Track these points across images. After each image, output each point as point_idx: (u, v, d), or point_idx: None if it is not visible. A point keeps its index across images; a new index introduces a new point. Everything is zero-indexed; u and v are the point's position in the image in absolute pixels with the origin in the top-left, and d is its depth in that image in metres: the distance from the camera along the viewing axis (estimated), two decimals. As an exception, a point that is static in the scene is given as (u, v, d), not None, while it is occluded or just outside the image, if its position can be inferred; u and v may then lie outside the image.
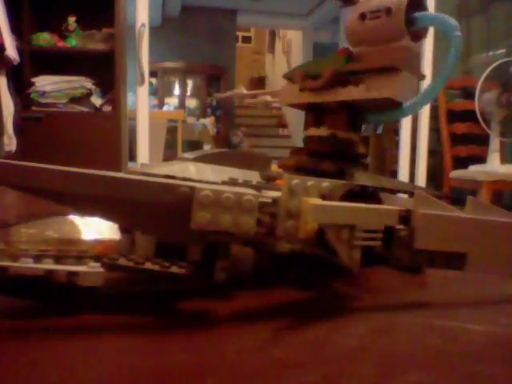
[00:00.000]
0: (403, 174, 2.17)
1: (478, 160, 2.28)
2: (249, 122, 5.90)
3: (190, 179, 0.27)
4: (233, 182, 0.29)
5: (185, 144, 3.68)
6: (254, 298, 0.27)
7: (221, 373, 0.13)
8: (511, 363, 0.15)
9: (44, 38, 2.30)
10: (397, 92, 0.33)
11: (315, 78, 0.36)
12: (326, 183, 0.25)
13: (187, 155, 0.36)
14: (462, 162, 2.37)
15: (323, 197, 0.25)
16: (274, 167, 0.38)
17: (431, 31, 2.03)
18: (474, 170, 2.17)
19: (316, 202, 0.23)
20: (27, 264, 0.22)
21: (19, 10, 2.20)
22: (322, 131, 0.37)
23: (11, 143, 1.95)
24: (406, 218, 0.26)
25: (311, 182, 0.25)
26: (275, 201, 0.24)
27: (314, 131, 0.37)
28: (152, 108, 4.45)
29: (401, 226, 0.26)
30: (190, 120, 4.59)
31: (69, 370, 0.16)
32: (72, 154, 2.18)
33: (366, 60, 0.35)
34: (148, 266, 0.23)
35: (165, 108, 5.19)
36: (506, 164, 2.16)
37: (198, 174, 0.33)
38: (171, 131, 3.39)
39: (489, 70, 2.14)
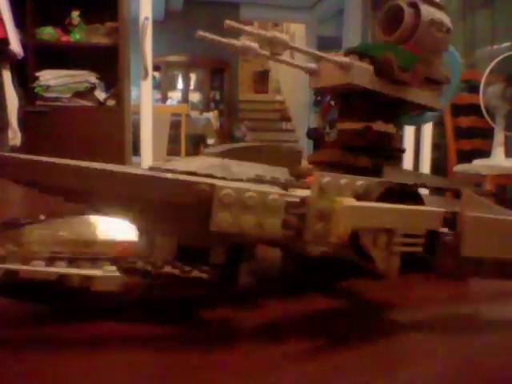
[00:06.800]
0: (407, 168, 2.16)
1: (483, 154, 2.28)
2: (252, 115, 5.88)
3: (212, 176, 0.25)
4: (258, 180, 0.26)
5: (188, 138, 3.68)
6: (280, 307, 0.25)
7: None
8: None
9: (48, 33, 2.30)
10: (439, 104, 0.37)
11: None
12: (360, 181, 0.23)
13: (212, 149, 0.34)
14: (466, 156, 2.36)
15: (358, 196, 0.22)
16: (305, 163, 0.36)
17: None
18: (478, 164, 2.16)
19: (350, 202, 0.21)
20: (38, 267, 0.21)
21: (23, 5, 2.19)
22: (356, 124, 0.34)
23: (16, 137, 1.96)
24: (451, 221, 0.24)
25: (344, 179, 0.22)
26: (304, 201, 0.21)
27: (347, 124, 0.35)
28: (155, 102, 4.45)
29: (446, 230, 0.24)
30: (194, 114, 4.59)
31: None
32: (76, 148, 2.18)
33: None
34: (168, 270, 0.22)
35: (168, 102, 5.18)
36: (511, 158, 2.15)
37: (222, 170, 0.30)
38: (174, 125, 3.39)
39: (493, 63, 2.12)
